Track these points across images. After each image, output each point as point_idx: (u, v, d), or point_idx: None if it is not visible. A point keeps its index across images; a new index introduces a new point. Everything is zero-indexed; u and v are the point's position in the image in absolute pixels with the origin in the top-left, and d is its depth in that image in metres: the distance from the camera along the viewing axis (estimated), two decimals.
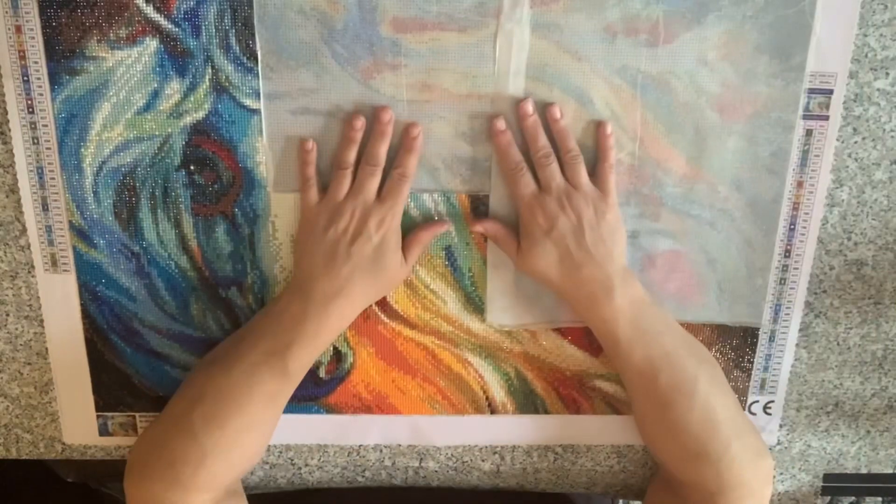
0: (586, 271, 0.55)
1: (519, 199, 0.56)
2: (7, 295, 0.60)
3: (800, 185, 0.58)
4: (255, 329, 0.57)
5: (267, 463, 0.66)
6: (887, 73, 0.56)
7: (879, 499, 0.69)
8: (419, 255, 0.58)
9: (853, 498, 0.69)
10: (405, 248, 0.57)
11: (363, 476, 0.67)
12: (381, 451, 0.66)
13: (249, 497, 0.59)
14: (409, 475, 0.67)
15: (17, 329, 0.61)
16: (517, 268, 0.58)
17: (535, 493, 0.69)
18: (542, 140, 0.55)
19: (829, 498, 0.69)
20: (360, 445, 0.65)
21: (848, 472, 0.68)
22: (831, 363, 0.64)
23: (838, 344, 0.63)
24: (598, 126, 0.56)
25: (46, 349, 0.61)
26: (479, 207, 0.58)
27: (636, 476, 0.68)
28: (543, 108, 0.56)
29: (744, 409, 0.64)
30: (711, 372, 0.57)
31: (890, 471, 0.68)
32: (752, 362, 0.62)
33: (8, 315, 0.61)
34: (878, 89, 0.56)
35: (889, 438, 0.67)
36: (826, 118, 0.56)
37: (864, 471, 0.68)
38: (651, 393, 0.56)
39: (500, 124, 0.55)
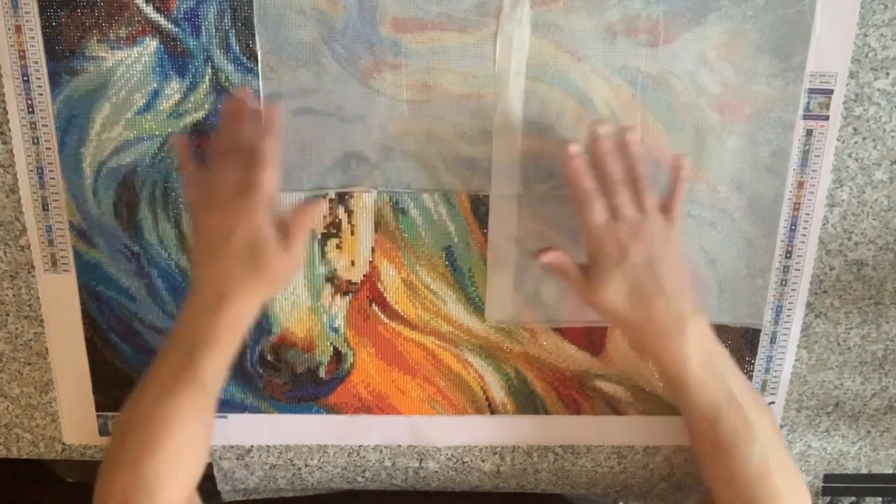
0: (659, 305, 0.51)
1: (589, 227, 0.53)
2: (7, 295, 0.60)
3: (800, 185, 0.58)
4: (164, 345, 0.53)
5: (266, 463, 0.66)
6: (887, 73, 0.56)
7: (879, 499, 0.69)
8: (304, 240, 0.55)
9: (853, 498, 0.69)
10: (285, 235, 0.52)
11: (363, 476, 0.67)
12: (381, 451, 0.66)
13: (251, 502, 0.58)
14: (409, 475, 0.67)
15: (17, 329, 0.61)
16: (584, 300, 0.55)
17: (534, 493, 0.69)
18: (616, 165, 0.52)
19: (829, 498, 0.69)
20: (359, 446, 0.65)
21: (848, 472, 0.68)
22: (832, 363, 0.64)
23: (839, 344, 0.63)
24: (675, 157, 0.54)
25: (46, 349, 0.61)
26: (479, 208, 0.58)
27: (636, 477, 0.68)
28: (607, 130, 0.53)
29: None
30: (769, 418, 0.55)
31: (890, 471, 0.68)
32: (753, 364, 0.62)
33: (8, 315, 0.61)
34: (878, 89, 0.56)
35: (889, 439, 0.67)
36: (826, 118, 0.56)
37: (864, 471, 0.68)
38: (711, 437, 0.54)
39: (574, 149, 0.52)
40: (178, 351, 0.51)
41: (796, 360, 0.63)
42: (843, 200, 0.59)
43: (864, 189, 0.59)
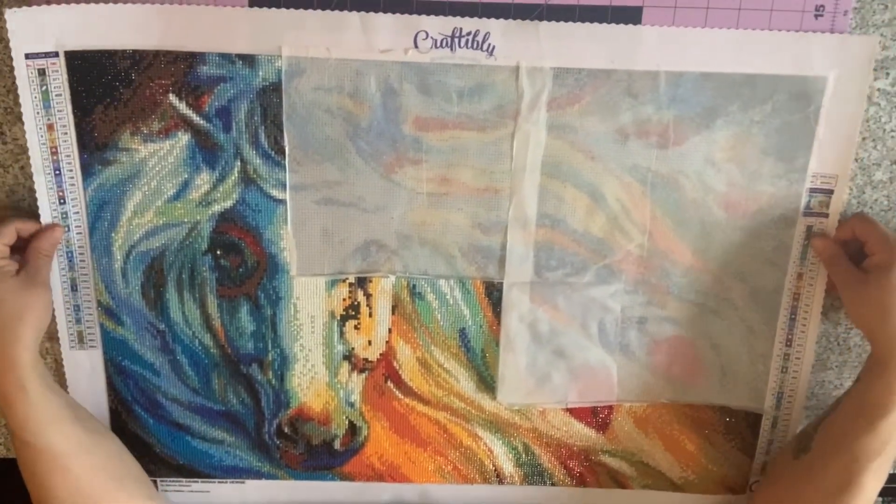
0: None
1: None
2: None
3: (800, 276, 0.60)
4: None
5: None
6: (887, 73, 0.56)
7: (880, 499, 0.68)
8: (45, 267, 0.57)
9: None
10: (28, 269, 0.55)
11: None
12: None
13: None
14: None
15: None
16: (848, 289, 0.56)
17: None
18: None
19: None
20: None
21: None
22: (831, 363, 0.64)
23: (838, 344, 0.63)
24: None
25: None
26: (493, 293, 0.61)
27: None
28: None
29: (746, 489, 0.66)
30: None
31: (890, 471, 0.68)
32: (754, 446, 0.64)
33: None
34: (879, 89, 0.57)
35: None
36: (826, 215, 0.59)
37: None
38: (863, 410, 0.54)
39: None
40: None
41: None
42: (842, 201, 0.59)
43: (864, 189, 0.59)
